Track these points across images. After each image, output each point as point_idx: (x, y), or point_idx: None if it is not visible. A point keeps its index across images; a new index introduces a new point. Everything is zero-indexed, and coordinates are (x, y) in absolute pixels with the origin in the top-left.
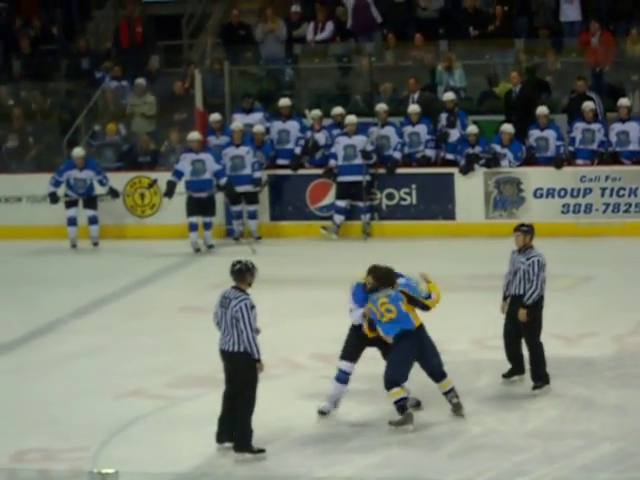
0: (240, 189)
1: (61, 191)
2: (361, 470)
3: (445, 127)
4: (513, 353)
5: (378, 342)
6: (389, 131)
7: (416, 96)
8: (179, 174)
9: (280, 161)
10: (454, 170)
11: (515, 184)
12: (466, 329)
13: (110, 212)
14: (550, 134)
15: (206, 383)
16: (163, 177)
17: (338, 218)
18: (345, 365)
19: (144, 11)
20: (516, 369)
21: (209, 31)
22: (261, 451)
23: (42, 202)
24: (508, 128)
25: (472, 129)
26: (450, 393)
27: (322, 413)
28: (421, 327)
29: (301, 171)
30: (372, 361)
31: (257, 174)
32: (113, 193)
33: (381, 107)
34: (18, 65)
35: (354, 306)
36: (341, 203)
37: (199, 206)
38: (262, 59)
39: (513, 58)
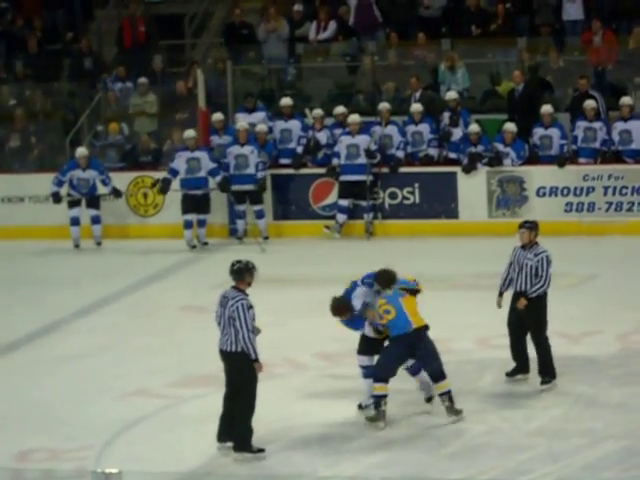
0: (243, 188)
1: (64, 191)
2: (365, 469)
3: (448, 126)
4: (518, 351)
5: None
6: (392, 130)
7: (418, 95)
8: (174, 172)
9: (282, 160)
10: (457, 169)
11: (518, 183)
12: (470, 328)
13: (113, 212)
14: (554, 132)
15: (209, 383)
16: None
17: (341, 217)
18: (362, 359)
19: (147, 10)
20: (520, 367)
21: (211, 31)
22: (261, 451)
23: (45, 202)
24: (511, 127)
25: (474, 128)
26: (443, 395)
27: (361, 407)
28: (421, 329)
29: (304, 170)
30: None
31: (261, 174)
32: (116, 193)
33: (384, 106)
34: (20, 65)
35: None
36: (344, 202)
37: (194, 204)
38: (264, 58)
39: (515, 57)
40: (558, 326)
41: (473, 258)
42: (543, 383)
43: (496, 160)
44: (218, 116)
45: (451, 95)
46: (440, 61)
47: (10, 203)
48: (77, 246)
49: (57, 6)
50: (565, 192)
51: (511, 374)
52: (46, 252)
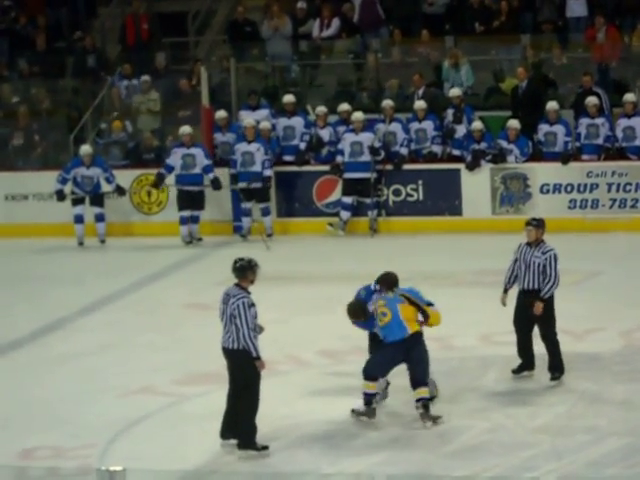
0: (250, 186)
1: (68, 189)
2: (368, 466)
3: (451, 123)
4: (525, 348)
5: None
6: (396, 127)
7: (421, 92)
8: (169, 168)
9: (286, 157)
10: (460, 166)
11: (521, 180)
12: (473, 325)
13: (117, 209)
14: (559, 129)
15: (212, 380)
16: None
17: (344, 214)
18: None
19: (150, 8)
20: (526, 364)
21: (215, 28)
22: (265, 448)
23: (48, 200)
24: (514, 124)
25: (477, 125)
26: (419, 402)
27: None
28: (415, 335)
29: (307, 168)
30: None
31: (267, 172)
32: (120, 190)
33: (387, 103)
34: (24, 63)
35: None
36: (347, 199)
37: (189, 200)
38: (268, 56)
39: (519, 54)
40: (562, 323)
41: (476, 255)
42: (553, 379)
43: (500, 157)
44: (221, 114)
45: (454, 92)
46: (444, 58)
47: (14, 201)
48: (81, 244)
49: (60, 4)
50: (569, 189)
51: (517, 371)
52: (50, 250)
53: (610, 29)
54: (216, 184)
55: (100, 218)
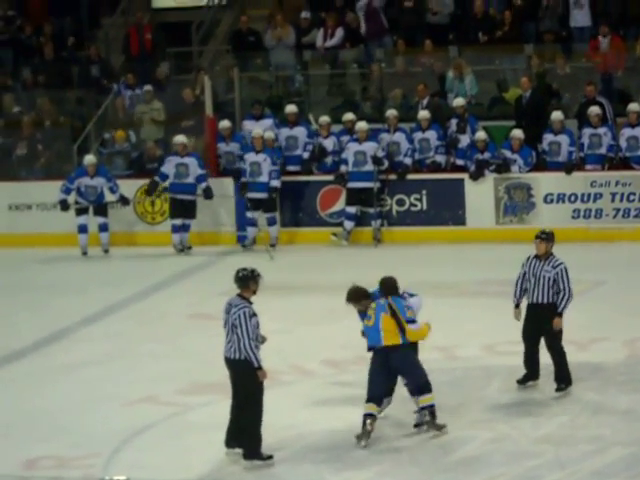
0: (255, 195)
1: (71, 199)
2: (372, 476)
3: (455, 133)
4: (531, 359)
5: None
6: (399, 137)
7: (425, 102)
8: (163, 176)
9: (289, 167)
10: (464, 176)
11: (525, 189)
12: (477, 335)
13: (120, 219)
14: (563, 139)
15: (216, 390)
16: None
17: (348, 224)
18: None
19: (153, 18)
20: (531, 375)
21: (218, 38)
22: (270, 457)
23: (52, 209)
24: (518, 134)
25: (480, 135)
26: (424, 410)
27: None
28: (395, 347)
29: (311, 177)
30: None
31: (274, 182)
32: (123, 200)
33: (391, 113)
34: (28, 72)
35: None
36: (351, 209)
37: (181, 208)
38: (272, 65)
39: (522, 63)
40: (566, 333)
41: (480, 265)
42: (559, 390)
43: (503, 167)
44: (225, 124)
45: (458, 102)
46: (447, 68)
47: (17, 211)
48: (85, 253)
49: (64, 14)
50: (572, 199)
51: (522, 381)
52: (53, 259)
53: (614, 39)
54: (208, 193)
55: (104, 228)
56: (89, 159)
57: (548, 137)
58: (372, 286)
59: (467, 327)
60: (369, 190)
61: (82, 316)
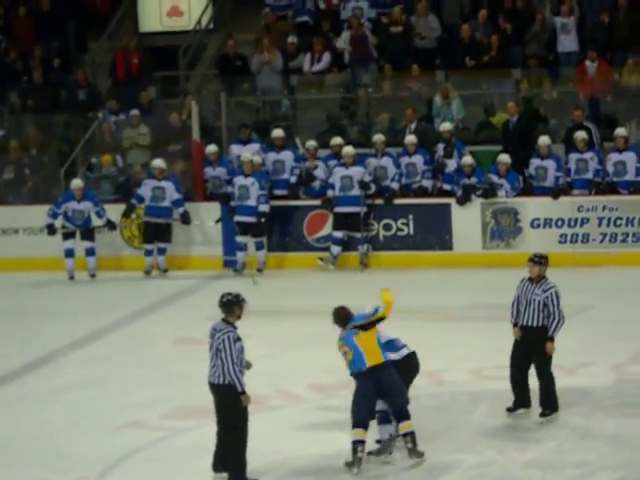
0: (243, 219)
1: (58, 223)
2: None
3: (442, 157)
4: (520, 385)
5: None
6: (387, 162)
7: (413, 126)
8: (140, 198)
9: (276, 191)
10: (451, 200)
11: (512, 214)
12: (464, 359)
13: (107, 244)
14: (550, 164)
15: (203, 414)
16: None
17: (335, 249)
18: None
19: (140, 42)
20: (521, 401)
21: (205, 62)
22: None
23: (39, 234)
24: (505, 158)
25: (467, 160)
26: (407, 437)
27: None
28: (378, 366)
29: (298, 202)
30: None
31: (262, 207)
32: (110, 225)
33: (379, 137)
34: (15, 96)
35: None
36: (338, 234)
37: (156, 232)
38: (258, 90)
39: (509, 88)
40: (553, 357)
41: (467, 290)
42: (543, 415)
43: (490, 191)
44: (212, 148)
45: (445, 126)
46: (434, 92)
47: (4, 235)
48: (72, 278)
49: (51, 38)
50: (559, 223)
51: (512, 409)
52: (40, 284)
53: (602, 63)
54: (185, 218)
55: (91, 252)
56: (76, 183)
57: (535, 162)
58: (357, 311)
59: (454, 352)
60: (356, 215)
61: (69, 340)
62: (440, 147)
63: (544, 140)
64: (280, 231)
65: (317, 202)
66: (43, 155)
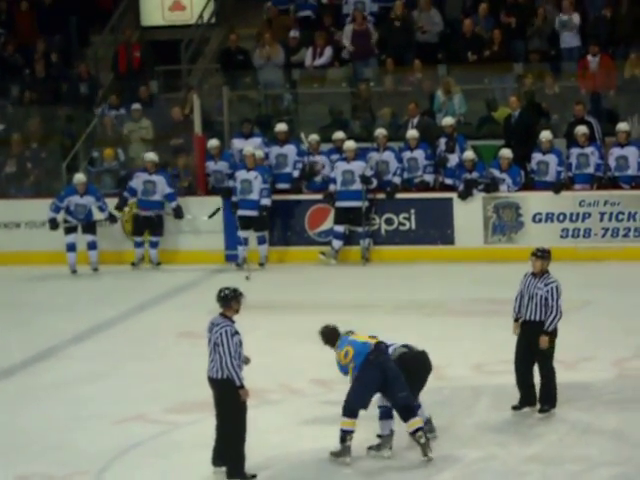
0: (246, 213)
1: (60, 217)
2: None
3: (444, 152)
4: (525, 382)
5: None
6: (388, 156)
7: (415, 121)
8: (132, 191)
9: (279, 185)
10: (453, 195)
11: (514, 209)
12: (465, 354)
13: (109, 237)
14: (552, 159)
15: (204, 408)
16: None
17: (337, 243)
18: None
19: (142, 36)
20: (527, 399)
21: (207, 56)
22: (253, 477)
23: (41, 227)
24: (507, 153)
25: (468, 155)
26: (418, 432)
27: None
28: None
29: (300, 196)
30: None
31: (264, 201)
32: (112, 219)
33: (380, 132)
34: (17, 90)
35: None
36: (339, 228)
37: (146, 225)
38: (260, 84)
39: (511, 83)
40: (555, 352)
41: (469, 284)
42: (542, 411)
43: (492, 186)
44: (214, 142)
45: (447, 121)
46: (436, 87)
47: (6, 229)
48: (74, 272)
49: (53, 32)
50: (561, 218)
51: (518, 407)
52: (42, 278)
53: (604, 58)
54: (178, 212)
55: (92, 246)
56: (79, 178)
57: (537, 156)
58: (361, 305)
59: (456, 346)
60: (357, 209)
61: (71, 334)
62: (442, 142)
63: (546, 135)
64: (282, 225)
65: (319, 196)
66: (45, 149)
